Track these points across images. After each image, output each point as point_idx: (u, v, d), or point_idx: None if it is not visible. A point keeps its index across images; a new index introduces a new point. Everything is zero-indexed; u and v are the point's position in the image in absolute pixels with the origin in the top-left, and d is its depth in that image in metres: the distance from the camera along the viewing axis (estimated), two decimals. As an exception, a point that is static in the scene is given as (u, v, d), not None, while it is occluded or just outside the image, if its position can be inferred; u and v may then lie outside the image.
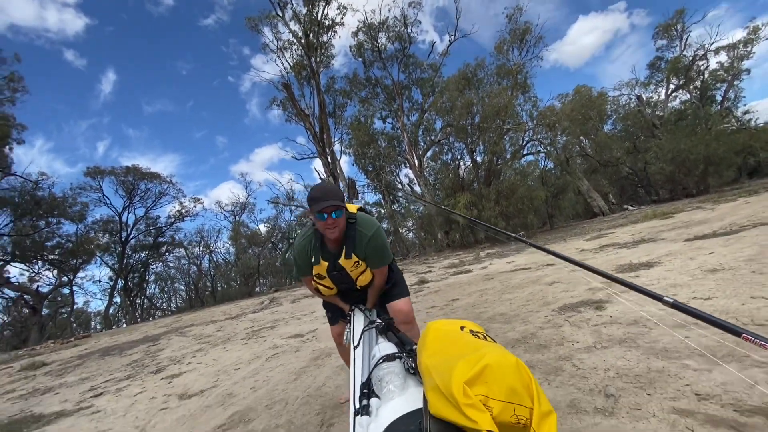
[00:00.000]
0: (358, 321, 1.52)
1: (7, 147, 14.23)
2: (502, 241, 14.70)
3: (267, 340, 5.01)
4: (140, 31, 52.40)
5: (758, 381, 1.24)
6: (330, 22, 15.98)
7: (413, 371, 0.85)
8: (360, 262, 1.63)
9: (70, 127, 45.50)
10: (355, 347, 1.25)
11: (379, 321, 1.25)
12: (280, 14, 15.50)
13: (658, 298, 0.91)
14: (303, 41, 15.51)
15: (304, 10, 15.21)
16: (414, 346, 0.95)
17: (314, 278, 1.72)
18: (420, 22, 22.17)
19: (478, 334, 0.77)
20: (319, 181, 19.11)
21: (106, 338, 9.74)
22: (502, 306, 3.46)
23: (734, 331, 0.76)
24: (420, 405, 0.70)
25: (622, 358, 1.68)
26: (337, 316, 1.89)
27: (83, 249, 18.77)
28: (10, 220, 16.03)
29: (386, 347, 1.02)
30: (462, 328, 0.81)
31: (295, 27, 15.52)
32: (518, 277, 5.23)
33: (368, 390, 0.86)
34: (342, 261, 1.62)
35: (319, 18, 15.41)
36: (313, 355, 3.41)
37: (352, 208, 1.72)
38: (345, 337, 1.57)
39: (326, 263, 1.64)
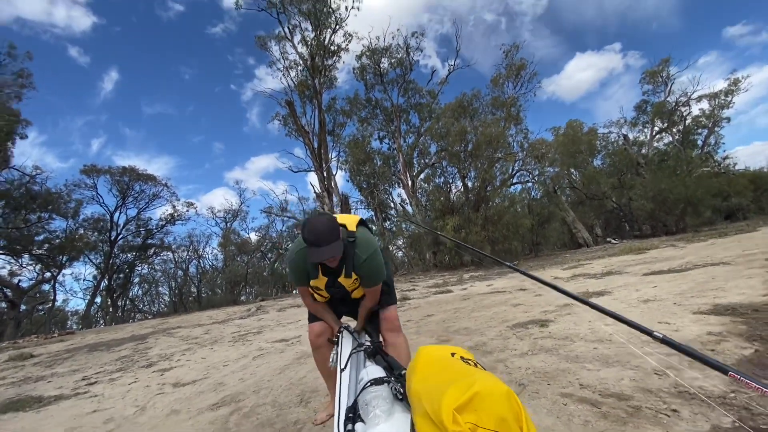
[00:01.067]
0: (347, 343, 1.48)
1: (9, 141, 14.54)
2: (486, 265, 15.19)
3: (253, 343, 5.33)
4: (147, 34, 53.37)
5: (624, 377, 1.70)
6: (335, 48, 16.89)
7: (401, 396, 0.85)
8: (357, 278, 1.65)
9: (66, 123, 45.53)
10: (342, 370, 1.22)
11: (368, 344, 1.26)
12: (289, 37, 16.40)
13: (648, 332, 0.94)
14: (308, 63, 16.32)
15: (312, 35, 16.11)
16: (403, 371, 0.96)
17: (310, 287, 1.73)
18: (422, 50, 23.25)
19: (469, 361, 0.79)
20: (314, 195, 19.58)
21: (92, 335, 9.86)
22: (469, 322, 3.90)
23: (722, 369, 0.78)
24: (406, 431, 0.71)
25: (542, 361, 2.12)
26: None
27: (72, 246, 18.78)
28: (3, 213, 16.13)
29: (374, 371, 1.01)
30: (453, 354, 0.82)
31: (302, 49, 16.41)
32: (491, 299, 5.68)
33: (354, 414, 0.86)
34: (342, 279, 1.64)
35: (325, 43, 16.29)
36: (297, 356, 3.78)
37: (351, 222, 1.68)
38: (331, 360, 1.55)
39: (325, 279, 1.65)
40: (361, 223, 1.74)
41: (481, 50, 55.24)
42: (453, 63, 23.32)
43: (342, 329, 1.65)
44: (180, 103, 56.63)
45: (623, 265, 7.98)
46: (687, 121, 26.12)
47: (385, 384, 0.89)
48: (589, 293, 4.41)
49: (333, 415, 1.64)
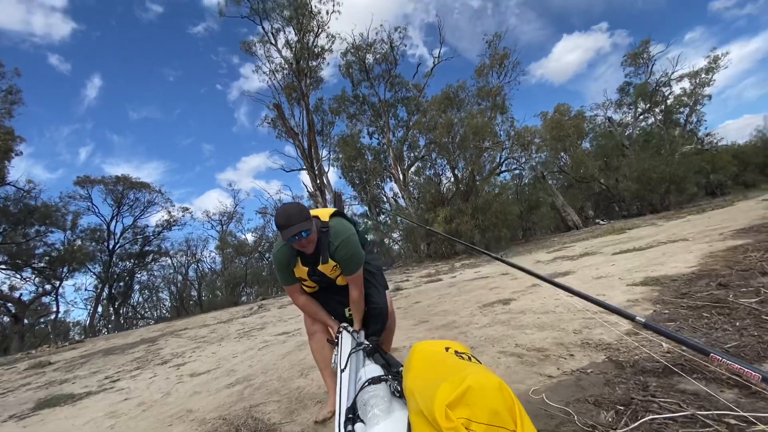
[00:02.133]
0: (346, 343, 1.50)
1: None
2: (477, 254, 15.73)
3: (258, 337, 5.81)
4: (128, 37, 52.74)
5: (548, 337, 2.19)
6: (319, 50, 17.22)
7: (399, 394, 0.86)
8: (337, 265, 1.73)
9: (51, 132, 45.19)
10: (342, 370, 1.24)
11: (367, 343, 1.29)
12: (273, 41, 16.68)
13: (630, 317, 0.95)
14: (294, 66, 16.65)
15: (296, 38, 16.40)
16: (400, 368, 0.97)
17: (298, 281, 1.82)
18: (408, 39, 23.54)
19: (463, 355, 0.79)
20: (307, 194, 19.99)
21: (102, 342, 10.30)
22: (448, 305, 4.39)
23: (703, 350, 0.78)
24: (404, 429, 0.71)
25: (494, 330, 2.61)
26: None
27: (72, 257, 19.10)
28: (3, 229, 16.42)
29: (372, 369, 1.03)
30: (447, 348, 0.83)
31: (286, 53, 16.72)
32: (473, 284, 6.18)
33: (353, 415, 0.86)
34: (321, 267, 1.72)
35: (309, 45, 16.62)
36: (297, 345, 4.26)
37: (325, 213, 1.77)
38: (333, 362, 1.59)
39: (306, 268, 1.74)
40: (337, 214, 1.83)
41: (468, 38, 55.38)
42: (438, 55, 23.65)
43: (341, 329, 1.69)
44: (166, 107, 56.28)
45: (600, 246, 8.49)
46: (669, 101, 26.69)
47: (383, 382, 0.92)
48: (556, 273, 4.92)
49: (333, 412, 1.75)
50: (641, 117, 27.33)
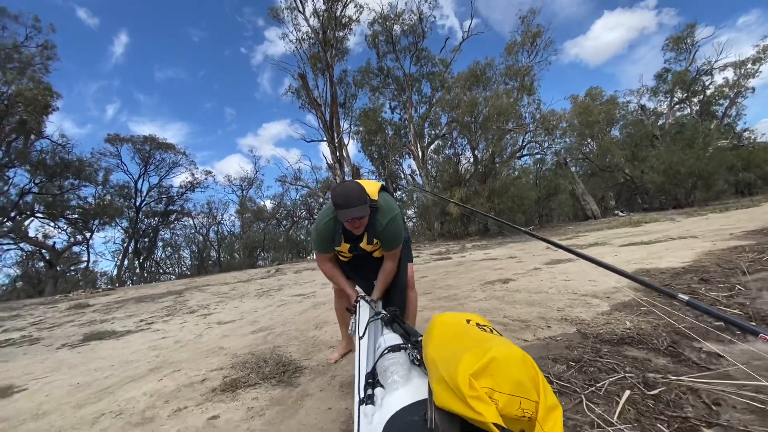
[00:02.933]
0: (364, 312, 1.53)
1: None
2: (491, 235, 15.92)
3: (275, 297, 6.31)
4: (156, -6, 52.35)
5: (534, 312, 2.49)
6: (347, 20, 16.97)
7: (418, 363, 0.88)
8: (379, 242, 1.77)
9: (80, 88, 45.97)
10: (360, 338, 1.26)
11: (385, 312, 1.30)
12: (301, 9, 16.54)
13: (673, 296, 0.95)
14: (320, 36, 16.55)
15: (323, 7, 16.20)
16: (419, 338, 0.98)
17: (335, 251, 1.84)
18: (434, 18, 22.85)
19: (485, 327, 0.80)
20: (326, 165, 20.30)
21: (132, 291, 11.20)
22: (453, 281, 4.72)
23: (752, 331, 0.77)
24: (424, 396, 0.72)
25: (489, 304, 2.93)
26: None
27: (104, 211, 20.25)
28: (41, 180, 17.49)
29: (391, 338, 1.05)
30: (468, 321, 0.83)
31: (313, 22, 16.57)
32: (481, 264, 6.47)
33: (373, 380, 0.89)
34: (363, 245, 1.76)
35: (337, 15, 16.40)
36: (312, 305, 4.69)
37: (373, 188, 1.73)
38: (350, 328, 1.59)
39: (348, 245, 1.78)
40: (383, 189, 1.80)
41: (502, 8, 52.36)
42: (468, 29, 22.92)
43: (359, 299, 1.69)
44: (191, 68, 56.44)
45: (612, 237, 8.59)
46: (709, 91, 25.32)
47: (402, 351, 0.95)
48: (554, 260, 5.16)
49: (345, 354, 2.14)
50: (677, 107, 26.10)
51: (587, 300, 2.54)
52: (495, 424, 0.53)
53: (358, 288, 1.91)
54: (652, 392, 1.24)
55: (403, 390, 0.80)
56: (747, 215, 9.47)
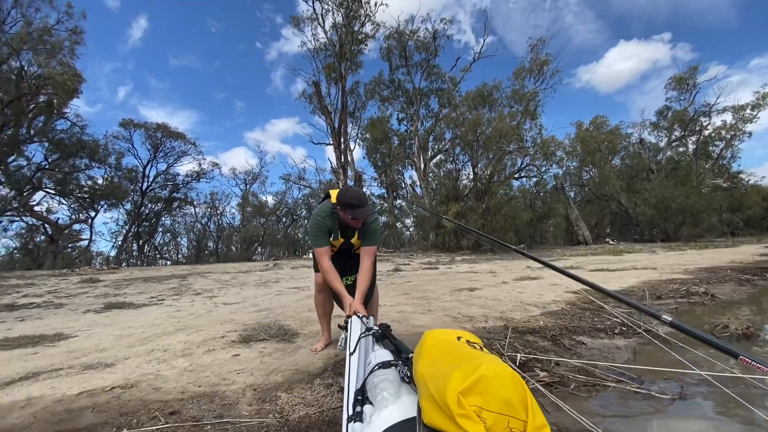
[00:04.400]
0: (355, 327, 1.53)
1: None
2: (481, 252, 16.58)
3: (273, 287, 6.96)
4: (177, -20, 53.36)
5: (482, 312, 3.17)
6: (363, 36, 17.93)
7: (408, 380, 0.89)
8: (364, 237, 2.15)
9: (94, 67, 46.46)
10: (351, 353, 1.26)
11: (376, 328, 1.33)
12: (321, 23, 17.51)
13: (656, 316, 1.00)
14: (337, 49, 17.47)
15: (343, 22, 17.14)
16: (410, 354, 1.01)
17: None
18: (448, 38, 23.77)
19: (475, 345, 0.82)
20: (330, 168, 21.06)
21: (137, 271, 11.84)
22: (431, 287, 5.40)
23: (732, 353, 0.79)
24: (414, 413, 0.73)
25: (450, 304, 3.61)
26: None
27: (114, 193, 20.96)
28: (57, 158, 18.25)
29: (382, 354, 1.07)
30: (459, 338, 0.86)
31: (332, 35, 17.53)
32: (461, 275, 7.15)
33: (362, 396, 0.90)
34: (354, 240, 2.16)
35: (354, 31, 17.35)
36: (307, 295, 5.34)
37: None
38: (340, 344, 1.63)
39: (342, 239, 2.15)
40: None
41: (518, 29, 53.37)
42: (480, 51, 23.84)
43: (351, 315, 1.71)
44: (205, 57, 57.12)
45: (588, 263, 9.26)
46: (706, 132, 26.20)
47: (393, 367, 0.94)
48: (525, 277, 5.84)
49: (327, 345, 2.40)
50: (674, 143, 26.96)
51: (527, 307, 3.21)
52: None
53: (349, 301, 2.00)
54: (529, 357, 1.93)
55: (392, 407, 0.80)
56: (717, 254, 10.16)
